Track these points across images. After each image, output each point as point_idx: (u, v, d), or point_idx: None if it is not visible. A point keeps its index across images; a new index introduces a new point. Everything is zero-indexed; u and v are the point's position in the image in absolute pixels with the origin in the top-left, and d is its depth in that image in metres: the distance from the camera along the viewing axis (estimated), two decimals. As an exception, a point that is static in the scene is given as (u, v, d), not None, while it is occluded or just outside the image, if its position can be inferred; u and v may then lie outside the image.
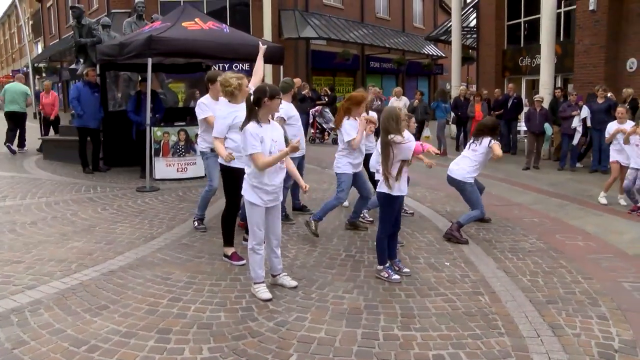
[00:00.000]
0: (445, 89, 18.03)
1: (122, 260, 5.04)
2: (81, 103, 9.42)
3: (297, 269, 4.80)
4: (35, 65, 32.55)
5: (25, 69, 35.33)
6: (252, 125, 3.98)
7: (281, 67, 10.08)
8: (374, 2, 28.43)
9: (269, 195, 4.09)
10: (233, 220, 5.09)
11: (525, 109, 12.90)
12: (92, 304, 4.02)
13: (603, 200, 7.59)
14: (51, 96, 13.26)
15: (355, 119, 5.67)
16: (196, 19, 8.85)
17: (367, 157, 6.38)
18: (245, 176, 4.15)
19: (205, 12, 20.40)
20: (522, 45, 16.54)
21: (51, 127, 13.21)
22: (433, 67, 31.49)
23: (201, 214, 6.13)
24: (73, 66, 12.21)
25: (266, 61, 10.97)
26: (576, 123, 10.42)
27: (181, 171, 9.07)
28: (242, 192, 4.15)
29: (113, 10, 21.08)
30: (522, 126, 13.43)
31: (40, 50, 37.89)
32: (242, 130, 4.03)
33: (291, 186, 6.49)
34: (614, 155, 7.65)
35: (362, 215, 6.48)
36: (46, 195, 7.84)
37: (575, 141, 10.58)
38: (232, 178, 4.81)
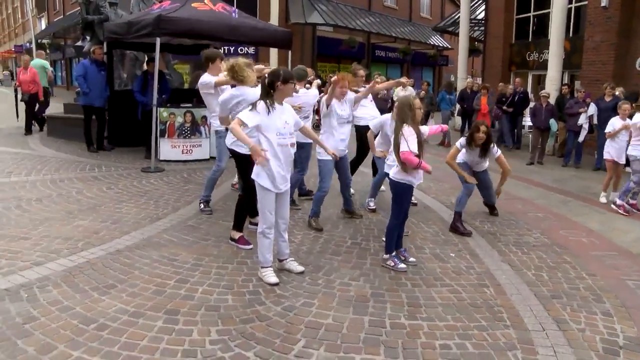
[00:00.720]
0: (451, 81, 17.95)
1: (129, 239, 5.06)
2: (87, 81, 9.37)
3: (303, 255, 4.82)
4: (39, 41, 32.30)
5: (28, 44, 35.11)
6: (261, 103, 4.01)
7: (289, 52, 9.98)
8: (382, -10, 28.26)
9: (277, 179, 4.09)
10: (248, 204, 5.07)
11: (531, 104, 12.85)
12: (100, 282, 4.04)
13: (603, 200, 7.54)
14: (30, 72, 12.05)
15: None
16: (205, 0, 8.78)
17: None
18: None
19: (211, -6, 20.28)
20: (530, 40, 16.44)
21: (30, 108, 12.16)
22: (438, 58, 31.34)
23: (207, 195, 6.12)
24: (79, 43, 12.14)
25: (274, 45, 11.04)
26: (583, 120, 10.40)
27: (186, 153, 9.06)
28: (254, 176, 4.15)
29: (119, -11, 20.87)
30: (527, 121, 13.40)
31: (43, 26, 37.61)
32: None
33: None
34: (610, 153, 7.46)
35: (366, 203, 6.50)
36: (51, 172, 7.83)
37: (581, 138, 10.56)
38: (244, 164, 4.80)
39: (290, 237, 5.14)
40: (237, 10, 9.07)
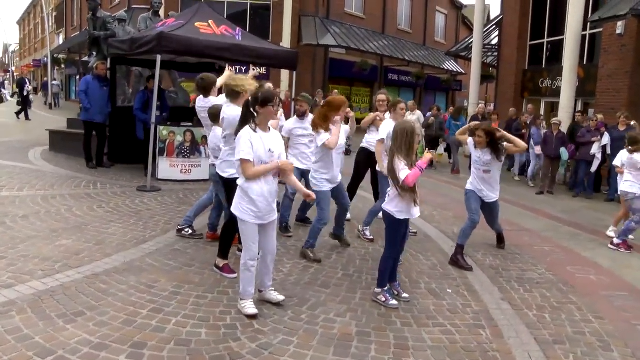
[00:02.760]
0: (462, 106, 17.71)
1: (109, 263, 4.83)
2: (89, 96, 9.26)
3: (290, 286, 4.54)
4: (55, 56, 32.74)
5: (45, 59, 35.63)
6: (245, 130, 3.79)
7: (294, 73, 9.81)
8: (396, 14, 28.23)
9: (260, 210, 3.82)
10: (233, 232, 4.81)
11: (543, 132, 12.54)
12: (69, 309, 3.80)
13: (611, 234, 7.11)
14: None
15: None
16: (210, 21, 8.66)
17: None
18: (237, 191, 3.91)
19: (225, 14, 20.32)
20: (543, 66, 16.19)
21: None
22: (452, 83, 31.17)
23: (192, 219, 5.81)
24: (86, 59, 12.12)
25: (279, 66, 10.90)
26: (595, 150, 10.06)
27: (185, 172, 8.87)
28: (232, 209, 3.92)
29: (134, 6, 21.06)
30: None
31: (61, 42, 38.17)
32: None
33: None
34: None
35: (362, 232, 6.22)
36: (45, 188, 7.67)
37: (593, 168, 10.22)
38: (234, 189, 4.58)
39: (279, 267, 4.93)
40: (241, 31, 8.93)
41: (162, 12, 12.38)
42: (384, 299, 4.30)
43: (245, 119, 3.84)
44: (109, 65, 9.90)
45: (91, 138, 9.58)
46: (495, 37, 19.44)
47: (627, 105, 11.38)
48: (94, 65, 9.67)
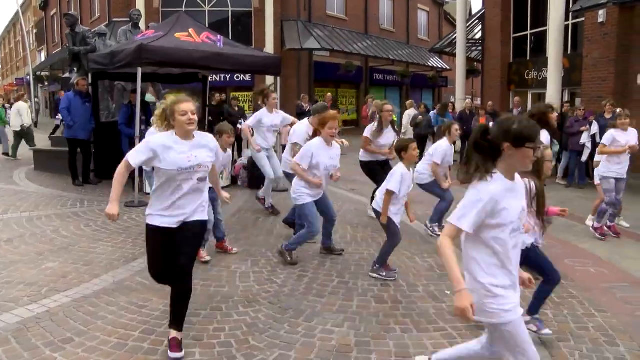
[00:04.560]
0: (446, 102, 17.65)
1: (98, 284, 4.68)
2: (71, 113, 9.08)
3: (284, 297, 4.42)
4: (37, 73, 32.42)
5: (28, 77, 35.28)
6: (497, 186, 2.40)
7: (278, 78, 9.67)
8: (378, 14, 28.22)
9: None
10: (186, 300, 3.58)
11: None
12: (56, 336, 3.66)
13: (589, 223, 7.06)
14: None
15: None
16: (190, 30, 8.52)
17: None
18: None
19: (207, 22, 20.22)
20: (528, 58, 16.19)
21: None
22: (438, 80, 31.17)
23: None
24: (67, 75, 11.94)
25: (263, 72, 10.77)
26: (585, 139, 10.03)
27: (173, 185, 8.69)
28: None
29: (114, 19, 20.89)
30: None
31: (43, 59, 37.85)
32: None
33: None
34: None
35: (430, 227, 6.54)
36: (30, 209, 7.49)
37: (584, 158, 10.19)
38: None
39: (272, 277, 4.85)
40: (222, 38, 8.81)
41: (142, 24, 12.27)
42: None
43: (485, 162, 2.41)
44: (90, 81, 9.73)
45: (76, 155, 9.41)
46: (479, 31, 19.45)
47: (613, 93, 11.38)
48: (75, 82, 9.51)
